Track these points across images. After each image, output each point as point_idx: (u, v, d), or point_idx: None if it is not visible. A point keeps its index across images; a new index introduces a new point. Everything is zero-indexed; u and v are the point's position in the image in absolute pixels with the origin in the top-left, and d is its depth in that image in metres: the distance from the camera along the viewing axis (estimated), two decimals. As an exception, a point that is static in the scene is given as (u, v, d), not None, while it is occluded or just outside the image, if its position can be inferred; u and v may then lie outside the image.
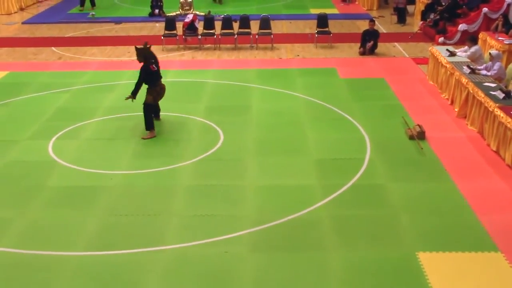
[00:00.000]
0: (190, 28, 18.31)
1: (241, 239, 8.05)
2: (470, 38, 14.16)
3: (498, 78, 12.37)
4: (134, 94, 11.50)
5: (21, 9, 24.75)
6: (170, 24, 18.47)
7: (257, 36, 18.13)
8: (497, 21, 16.76)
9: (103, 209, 8.88)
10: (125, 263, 7.58)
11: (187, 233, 8.20)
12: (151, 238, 8.08)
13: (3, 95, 13.89)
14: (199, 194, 9.29)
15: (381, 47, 17.51)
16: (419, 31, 19.50)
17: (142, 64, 11.45)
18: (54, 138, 11.42)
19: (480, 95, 11.24)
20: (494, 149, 10.59)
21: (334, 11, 23.52)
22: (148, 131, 11.46)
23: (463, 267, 7.38)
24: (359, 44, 17.44)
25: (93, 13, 22.84)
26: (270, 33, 18.12)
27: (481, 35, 16.29)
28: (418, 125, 11.40)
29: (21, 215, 8.72)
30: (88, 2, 23.63)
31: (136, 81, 11.50)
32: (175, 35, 18.21)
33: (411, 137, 11.13)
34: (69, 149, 10.92)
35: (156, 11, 22.58)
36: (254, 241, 7.99)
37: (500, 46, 14.89)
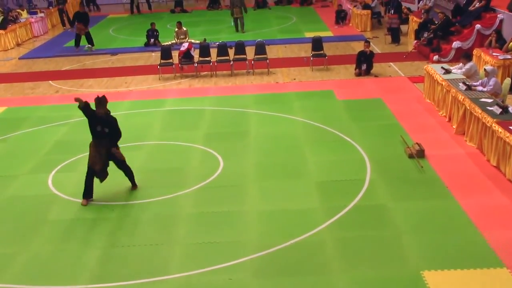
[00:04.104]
0: (186, 56, 18.40)
1: (245, 265, 8.00)
2: (465, 55, 14.22)
3: (494, 93, 12.40)
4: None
5: (18, 44, 24.90)
6: (166, 53, 18.57)
7: (253, 61, 18.22)
8: (490, 37, 16.87)
9: (105, 240, 8.84)
10: (129, 294, 7.53)
11: (190, 262, 8.15)
12: (154, 268, 8.03)
13: (1, 130, 13.90)
14: (201, 222, 9.25)
15: (377, 67, 17.59)
16: (413, 50, 19.61)
17: (107, 113, 10.18)
18: (53, 172, 11.41)
19: (477, 111, 11.26)
20: (494, 164, 10.58)
21: (329, 33, 23.66)
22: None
23: (469, 285, 7.32)
24: (354, 66, 17.54)
25: (89, 45, 22.94)
26: (265, 58, 18.21)
27: (475, 52, 16.37)
28: (417, 143, 11.41)
29: (23, 250, 8.68)
30: (84, 40, 23.33)
31: (115, 133, 10.22)
32: (171, 63, 18.30)
33: (411, 156, 11.13)
34: (69, 182, 10.89)
35: (152, 40, 22.71)
36: (257, 267, 7.94)
37: (494, 62, 14.97)
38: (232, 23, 25.53)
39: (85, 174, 9.99)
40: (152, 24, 23.15)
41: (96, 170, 9.95)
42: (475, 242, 8.25)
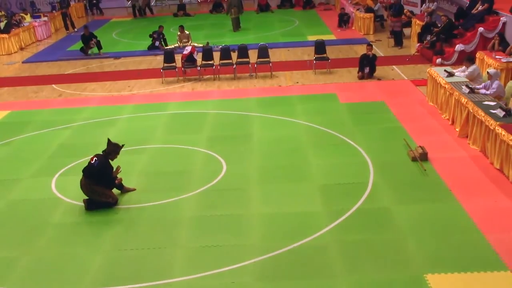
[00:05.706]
0: (189, 60, 18.43)
1: (248, 268, 7.99)
2: (468, 58, 14.21)
3: (497, 96, 12.39)
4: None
5: (21, 48, 24.98)
6: (169, 56, 18.60)
7: (256, 65, 18.23)
8: (493, 40, 16.85)
9: (109, 244, 8.84)
10: (132, 298, 7.54)
11: (193, 265, 8.15)
12: (157, 272, 8.03)
13: (5, 134, 13.93)
14: (204, 225, 9.25)
15: (380, 70, 17.59)
16: (416, 53, 19.61)
17: (103, 157, 10.22)
18: (57, 175, 11.42)
19: (481, 114, 11.26)
20: (498, 167, 10.57)
21: (331, 37, 23.68)
22: None
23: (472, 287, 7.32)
24: (357, 69, 17.53)
25: (92, 49, 22.97)
26: (268, 62, 18.22)
27: (478, 55, 16.36)
28: (420, 146, 11.40)
29: (26, 253, 8.69)
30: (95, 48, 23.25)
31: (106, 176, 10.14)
32: (174, 67, 18.32)
33: (414, 159, 11.12)
34: (72, 185, 10.87)
35: (157, 43, 22.74)
36: (260, 270, 7.93)
37: (498, 65, 14.94)
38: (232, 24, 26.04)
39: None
40: (160, 27, 23.25)
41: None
42: (479, 245, 8.23)
